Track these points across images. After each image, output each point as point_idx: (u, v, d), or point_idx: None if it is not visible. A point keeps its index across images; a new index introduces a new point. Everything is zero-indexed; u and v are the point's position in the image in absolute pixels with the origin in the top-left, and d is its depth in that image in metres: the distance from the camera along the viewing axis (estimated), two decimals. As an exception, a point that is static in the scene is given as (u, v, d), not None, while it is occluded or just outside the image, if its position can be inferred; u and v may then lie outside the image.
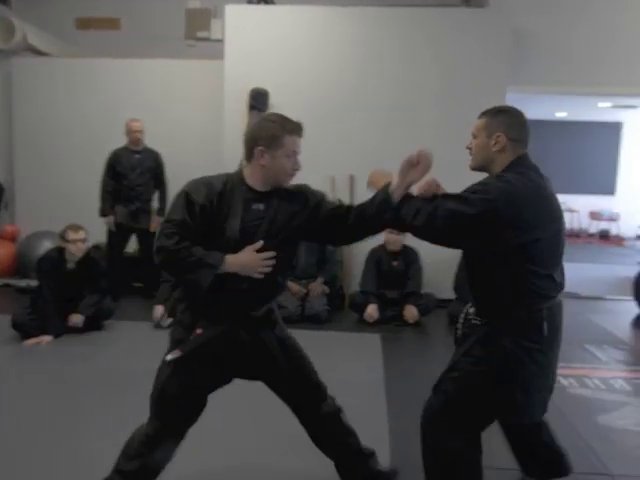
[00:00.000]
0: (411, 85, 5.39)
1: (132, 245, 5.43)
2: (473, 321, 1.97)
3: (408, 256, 4.98)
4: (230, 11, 5.46)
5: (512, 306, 1.83)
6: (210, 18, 6.71)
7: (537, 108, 9.34)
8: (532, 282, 1.80)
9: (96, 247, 4.93)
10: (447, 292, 5.15)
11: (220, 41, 5.66)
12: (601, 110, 9.23)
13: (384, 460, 2.39)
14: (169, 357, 1.89)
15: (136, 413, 2.04)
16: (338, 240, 1.99)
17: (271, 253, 1.86)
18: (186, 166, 5.99)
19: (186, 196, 1.85)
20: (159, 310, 4.45)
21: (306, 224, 1.97)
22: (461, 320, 2.08)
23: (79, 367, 3.57)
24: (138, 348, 4.00)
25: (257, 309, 1.98)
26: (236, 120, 5.39)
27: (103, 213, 5.14)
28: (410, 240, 4.63)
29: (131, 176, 5.13)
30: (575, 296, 5.72)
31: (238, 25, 5.43)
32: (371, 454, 2.25)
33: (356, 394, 3.23)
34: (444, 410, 1.94)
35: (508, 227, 1.75)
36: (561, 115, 10.31)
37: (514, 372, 1.79)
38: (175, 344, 1.93)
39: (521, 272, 1.80)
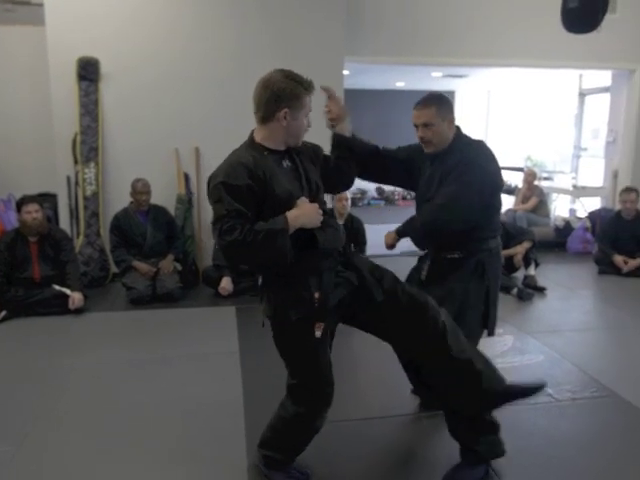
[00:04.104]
0: (248, 56, 5.20)
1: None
2: (450, 256, 2.31)
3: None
4: (50, -29, 4.97)
5: (484, 237, 2.30)
6: (29, -21, 6.06)
7: (379, 79, 9.78)
8: (495, 218, 2.34)
9: None
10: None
11: (41, 5, 5.15)
12: (435, 80, 9.83)
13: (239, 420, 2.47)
14: (318, 334, 1.88)
15: None
16: (339, 189, 2.24)
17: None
18: (11, 146, 5.51)
19: (225, 186, 1.79)
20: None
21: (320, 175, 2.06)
22: (427, 262, 2.42)
23: None
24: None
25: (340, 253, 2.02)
26: (64, 92, 4.99)
27: None
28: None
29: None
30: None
31: (60, -13, 4.96)
32: None
33: (212, 367, 3.25)
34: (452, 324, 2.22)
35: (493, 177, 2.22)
36: (400, 85, 10.85)
37: (490, 286, 2.24)
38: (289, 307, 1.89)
39: (492, 211, 2.30)
